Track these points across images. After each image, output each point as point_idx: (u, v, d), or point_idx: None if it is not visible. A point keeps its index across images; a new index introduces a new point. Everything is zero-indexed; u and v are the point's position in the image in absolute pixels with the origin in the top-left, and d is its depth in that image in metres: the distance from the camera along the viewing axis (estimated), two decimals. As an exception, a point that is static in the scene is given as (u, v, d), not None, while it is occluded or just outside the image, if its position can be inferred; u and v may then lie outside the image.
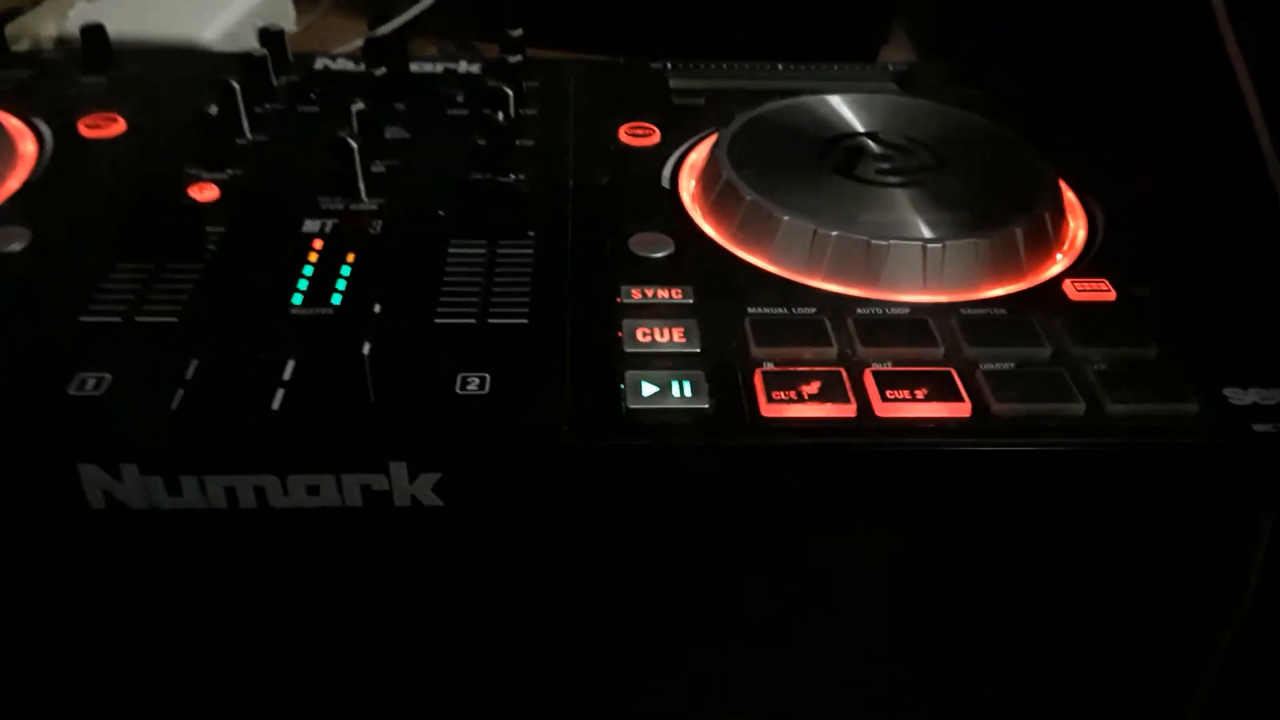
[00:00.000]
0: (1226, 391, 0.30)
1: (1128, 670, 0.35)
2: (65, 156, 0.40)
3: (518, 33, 0.47)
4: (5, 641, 0.32)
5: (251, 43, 0.53)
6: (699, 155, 0.42)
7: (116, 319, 0.32)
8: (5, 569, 0.30)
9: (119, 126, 0.42)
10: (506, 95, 0.42)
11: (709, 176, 0.39)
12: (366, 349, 0.28)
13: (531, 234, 0.37)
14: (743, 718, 0.36)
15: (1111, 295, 0.34)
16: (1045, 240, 0.36)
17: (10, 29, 0.59)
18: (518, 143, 0.42)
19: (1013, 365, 0.31)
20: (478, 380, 0.30)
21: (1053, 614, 0.34)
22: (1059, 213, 0.37)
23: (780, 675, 0.34)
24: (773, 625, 0.33)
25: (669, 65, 0.50)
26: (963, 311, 0.33)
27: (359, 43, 0.59)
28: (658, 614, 0.33)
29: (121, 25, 0.49)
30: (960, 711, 0.36)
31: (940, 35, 0.65)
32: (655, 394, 0.30)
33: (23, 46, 0.58)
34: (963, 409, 0.29)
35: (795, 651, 0.34)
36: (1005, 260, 0.35)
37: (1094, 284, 0.35)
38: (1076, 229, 0.38)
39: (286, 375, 0.30)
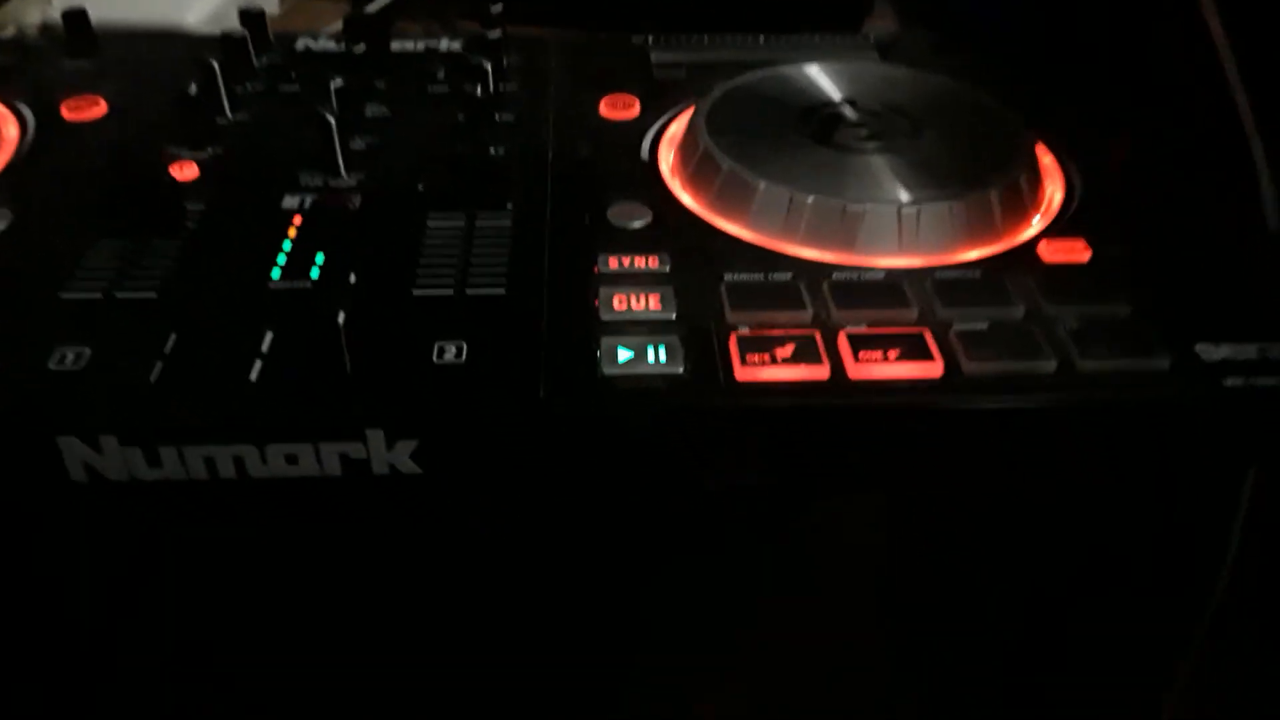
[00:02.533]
0: (1199, 348, 0.30)
1: (1110, 634, 0.36)
2: (47, 139, 0.41)
3: (497, 8, 0.47)
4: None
5: (234, 25, 0.53)
6: (678, 127, 0.42)
7: (97, 295, 0.32)
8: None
9: (101, 109, 0.43)
10: (485, 70, 0.43)
11: (687, 147, 0.39)
12: (341, 318, 0.29)
13: (510, 206, 0.37)
14: (721, 683, 0.36)
15: (1086, 256, 0.34)
16: (1021, 203, 0.36)
17: (-6, 16, 0.59)
18: (497, 117, 0.42)
19: (985, 325, 0.31)
20: (454, 349, 0.30)
21: (1031, 576, 0.34)
22: (1035, 175, 0.38)
23: (758, 639, 0.35)
24: (750, 589, 0.34)
25: (650, 39, 0.50)
26: (937, 275, 0.33)
27: (338, 24, 0.59)
28: (636, 578, 0.33)
29: (105, 10, 0.48)
30: (941, 675, 0.37)
31: (923, 5, 0.65)
32: (630, 360, 0.30)
33: (7, 34, 0.58)
34: (935, 369, 0.30)
35: (772, 615, 0.34)
36: (981, 223, 0.35)
37: (1069, 245, 0.35)
38: (1054, 192, 0.38)
39: (264, 347, 0.30)
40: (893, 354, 0.30)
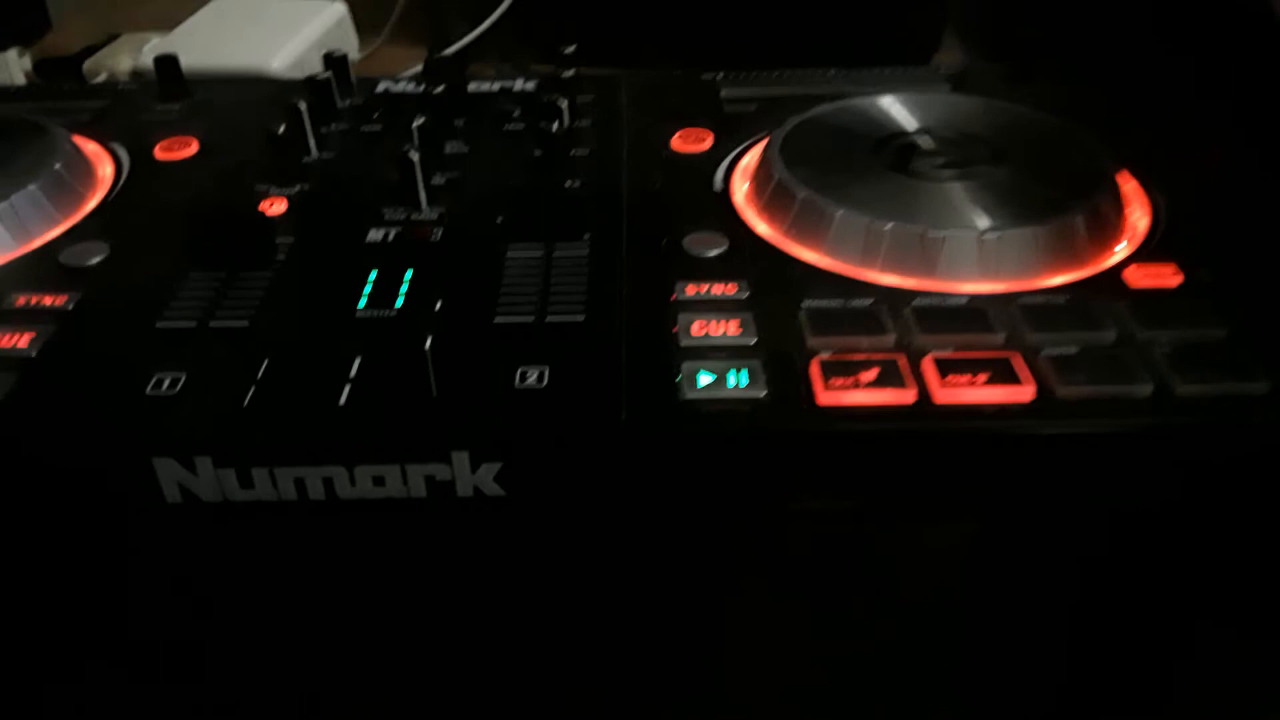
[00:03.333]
0: (1297, 371, 0.29)
1: (1207, 659, 0.34)
2: (141, 177, 0.42)
3: (571, 49, 0.48)
4: (83, 632, 0.33)
5: (317, 70, 0.55)
6: (751, 159, 0.42)
7: (191, 324, 0.33)
8: (85, 562, 0.31)
9: (192, 149, 0.44)
10: (560, 107, 0.43)
11: (761, 177, 0.39)
12: (428, 344, 0.29)
13: (587, 236, 0.37)
14: (799, 706, 0.35)
15: (1175, 281, 0.34)
16: (1105, 228, 0.36)
17: (88, 64, 0.62)
18: (572, 152, 0.43)
19: (1076, 350, 0.30)
20: (536, 374, 0.30)
21: (1125, 604, 0.33)
22: (1118, 200, 0.37)
23: (837, 665, 0.34)
24: (833, 615, 0.33)
25: (720, 75, 0.51)
26: (1022, 300, 0.33)
27: (419, 68, 0.61)
28: (718, 602, 0.33)
29: (194, 58, 0.51)
30: (1029, 705, 0.35)
31: (992, 39, 0.64)
32: (711, 383, 0.30)
33: (100, 80, 0.61)
34: (1025, 393, 0.29)
35: (853, 642, 0.34)
36: (1064, 249, 0.35)
37: (1157, 269, 0.34)
38: (1138, 218, 0.38)
39: (352, 372, 0.31)
40: (981, 378, 0.29)
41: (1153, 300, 0.33)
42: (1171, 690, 0.35)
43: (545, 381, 0.30)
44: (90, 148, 0.44)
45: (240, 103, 0.48)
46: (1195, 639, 0.33)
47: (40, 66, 0.64)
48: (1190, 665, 0.34)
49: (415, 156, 0.39)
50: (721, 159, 0.43)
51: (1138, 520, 0.31)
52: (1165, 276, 0.34)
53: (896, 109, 0.43)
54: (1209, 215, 0.37)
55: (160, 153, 0.44)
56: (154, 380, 0.30)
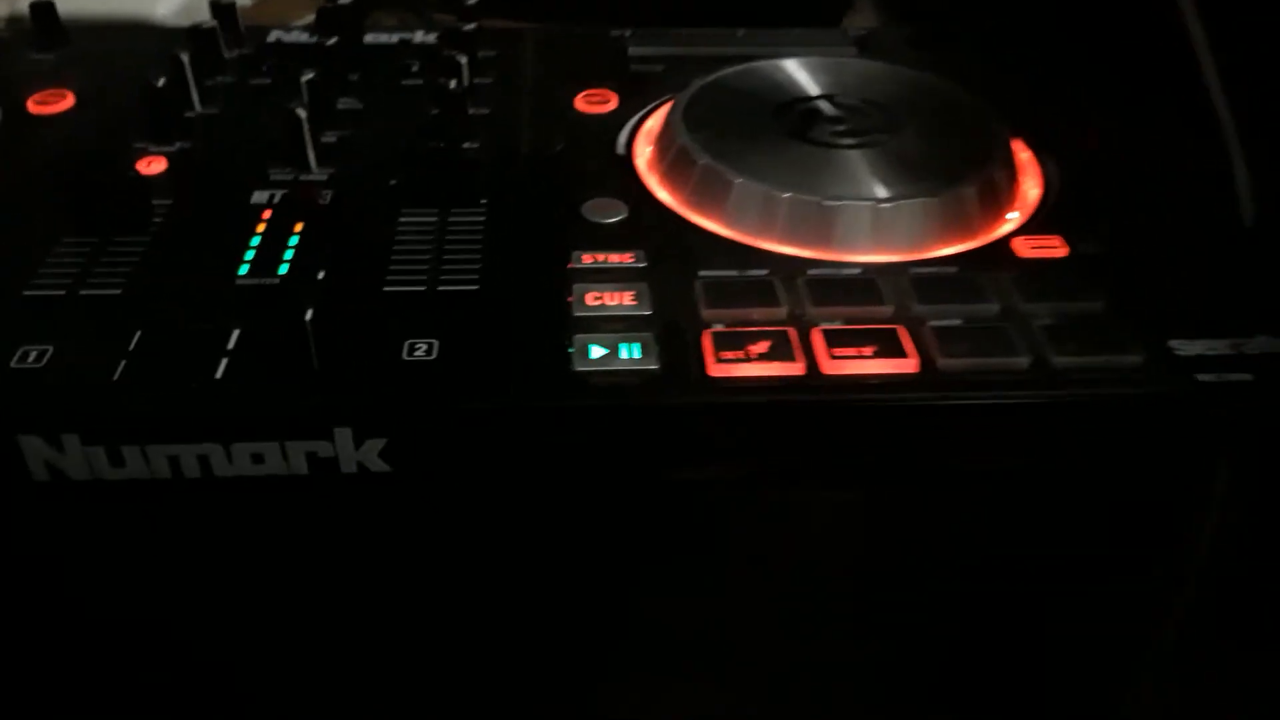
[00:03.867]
0: (1173, 343, 0.30)
1: (1084, 625, 0.36)
2: (12, 132, 0.40)
3: (473, 0, 0.47)
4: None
5: (205, 19, 0.52)
6: (655, 122, 0.42)
7: (60, 292, 0.31)
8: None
9: (67, 102, 0.42)
10: (460, 63, 0.42)
11: (664, 142, 0.39)
12: (309, 316, 0.28)
13: (484, 201, 0.36)
14: (698, 680, 0.36)
15: (1063, 252, 0.34)
16: (997, 199, 0.36)
17: (-38, 8, 0.58)
18: (471, 111, 0.41)
19: (960, 322, 0.31)
20: (425, 346, 0.30)
21: (1004, 569, 0.34)
22: (1011, 172, 0.37)
23: (731, 637, 0.35)
24: (723, 586, 0.33)
25: (628, 33, 0.50)
26: (913, 270, 0.33)
27: (310, 17, 0.58)
28: (608, 575, 0.33)
29: (72, 3, 0.48)
30: (915, 670, 0.36)
31: (903, 1, 0.64)
32: (603, 356, 0.30)
33: (-26, 26, 0.58)
34: (909, 365, 0.29)
35: (745, 612, 0.34)
36: (957, 219, 0.35)
37: (1045, 241, 0.35)
38: (1030, 188, 0.38)
39: (230, 345, 0.30)
40: (867, 350, 0.30)
41: (1037, 272, 0.33)
42: (1047, 656, 0.36)
43: (434, 353, 0.30)
44: (-43, 100, 0.41)
45: (121, 52, 0.46)
46: (1070, 606, 0.34)
47: (-96, 7, 0.59)
48: (1065, 631, 0.35)
49: (303, 113, 0.38)
50: (625, 121, 0.42)
51: (1015, 489, 0.32)
52: (1052, 248, 0.35)
53: (800, 73, 0.43)
54: (1099, 186, 0.38)
55: (33, 106, 0.42)
56: (19, 353, 0.29)
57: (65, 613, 0.32)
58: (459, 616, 0.33)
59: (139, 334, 0.30)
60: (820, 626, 0.35)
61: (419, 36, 0.48)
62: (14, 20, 0.55)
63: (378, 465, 0.29)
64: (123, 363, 0.29)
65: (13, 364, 0.29)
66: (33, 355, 0.29)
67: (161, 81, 0.40)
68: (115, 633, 0.33)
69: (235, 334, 0.30)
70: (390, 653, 0.34)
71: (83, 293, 0.31)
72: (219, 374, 0.29)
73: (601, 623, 0.34)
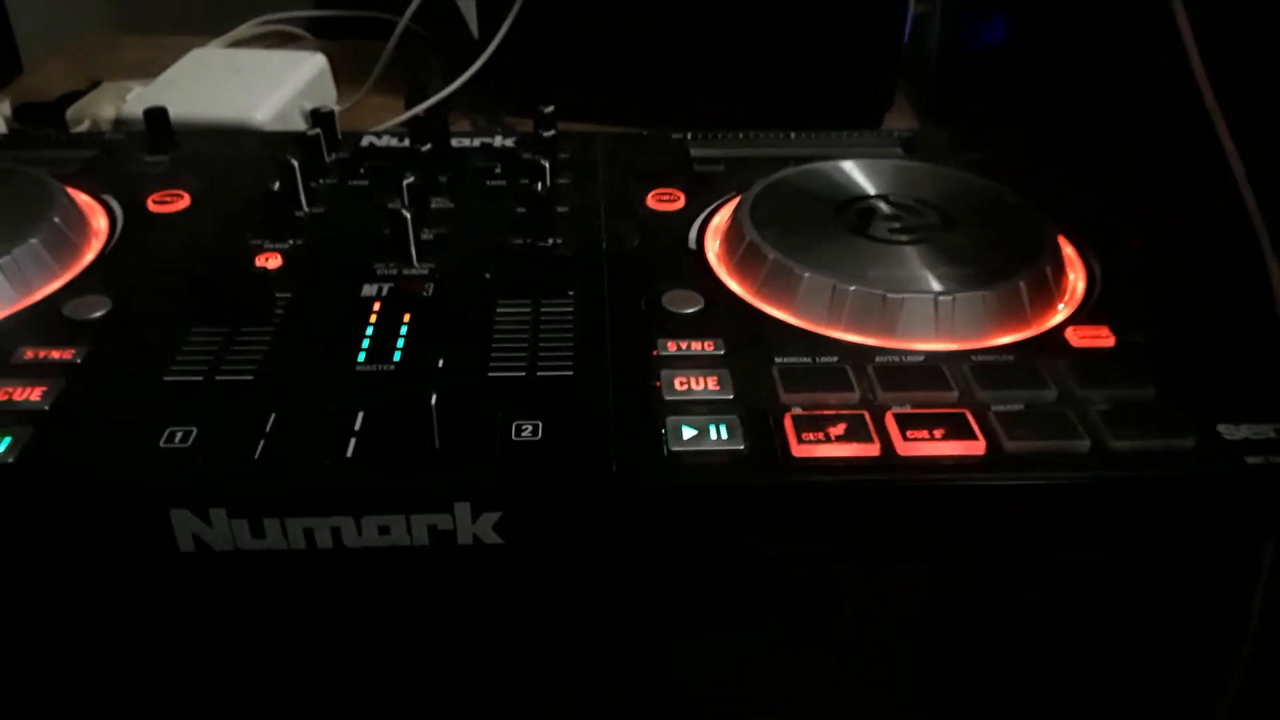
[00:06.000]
0: (1220, 427, 0.33)
1: (1139, 703, 0.37)
2: (136, 229, 0.43)
3: (550, 109, 0.51)
4: (101, 682, 0.34)
5: (299, 121, 0.57)
6: (722, 218, 0.45)
7: (198, 378, 0.34)
8: (100, 612, 0.32)
9: (184, 201, 0.46)
10: (543, 166, 0.46)
11: (733, 237, 0.42)
12: (434, 400, 0.31)
13: (571, 293, 0.39)
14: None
15: (1111, 341, 0.37)
16: (1047, 291, 0.39)
17: (71, 112, 0.63)
18: (554, 209, 0.45)
19: (1022, 406, 0.33)
20: (531, 427, 0.32)
21: (1065, 642, 0.36)
22: (1059, 266, 0.40)
23: (811, 706, 0.36)
24: (804, 654, 0.35)
25: (689, 135, 0.53)
26: (973, 358, 0.36)
27: (397, 119, 0.63)
28: (697, 645, 0.35)
29: (179, 108, 0.52)
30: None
31: (940, 102, 0.68)
32: (694, 437, 0.32)
33: (83, 128, 0.62)
34: (978, 447, 0.32)
35: (825, 678, 0.36)
36: (1011, 311, 0.38)
37: (1094, 331, 0.37)
38: (1076, 280, 0.41)
39: (357, 425, 0.32)
40: (938, 433, 0.32)
41: (1089, 360, 0.36)
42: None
43: (539, 434, 0.32)
44: (83, 199, 0.45)
45: (228, 155, 0.50)
46: (1123, 685, 0.36)
47: (20, 113, 0.65)
48: (1119, 706, 0.37)
49: (408, 214, 0.41)
50: (694, 217, 0.45)
51: (1080, 565, 0.34)
52: (1101, 337, 0.37)
53: (855, 173, 0.46)
54: (1140, 280, 0.41)
55: (153, 205, 0.45)
56: (166, 433, 0.32)
57: (207, 677, 0.34)
58: (564, 680, 0.35)
59: (274, 416, 0.33)
60: (887, 692, 0.37)
61: (498, 140, 0.52)
62: (120, 123, 0.60)
63: (491, 538, 0.31)
64: (261, 442, 0.32)
65: (162, 444, 0.32)
66: (179, 436, 0.32)
67: (277, 185, 0.43)
68: (252, 695, 0.35)
69: (360, 415, 0.33)
70: (498, 714, 0.36)
71: (218, 378, 0.34)
72: (349, 453, 0.31)
73: (689, 687, 0.36)
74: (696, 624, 0.35)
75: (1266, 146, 0.41)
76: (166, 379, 0.34)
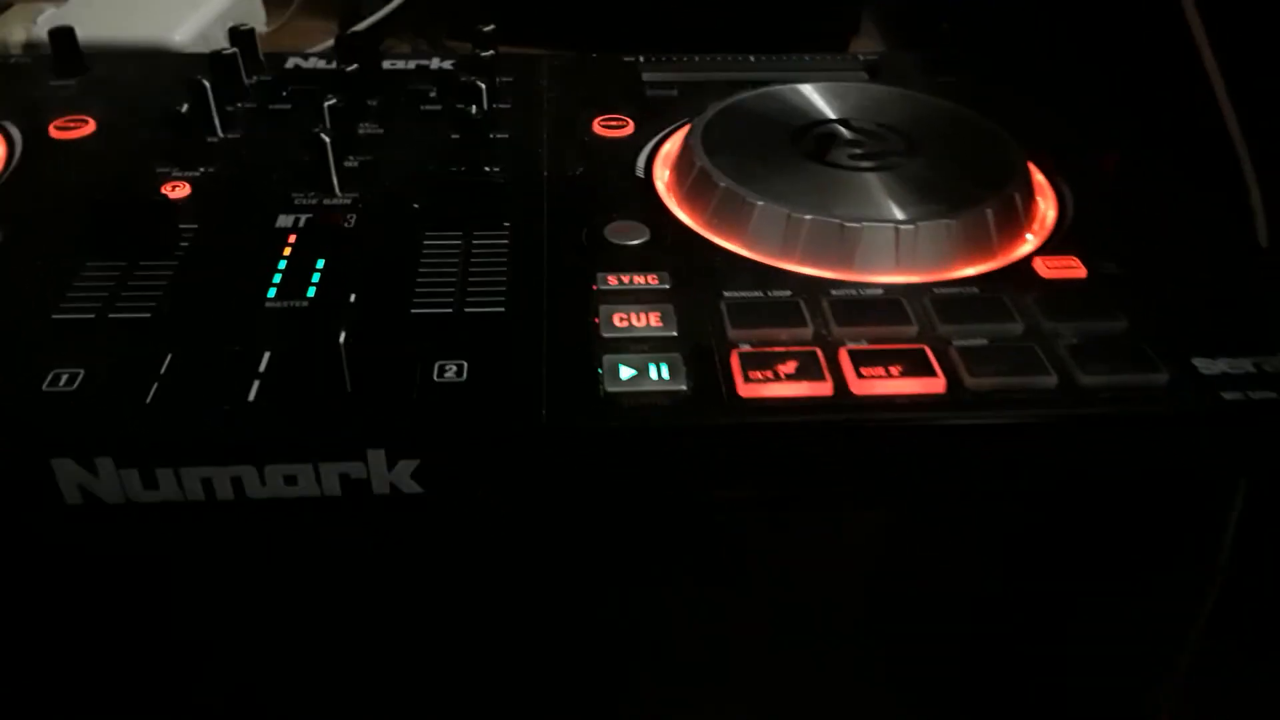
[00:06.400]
0: (1196, 361, 0.31)
1: (1108, 639, 0.36)
2: (36, 158, 0.40)
3: (490, 28, 0.47)
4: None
5: (223, 45, 0.53)
6: (673, 145, 0.42)
7: (90, 315, 0.32)
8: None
9: (89, 128, 0.42)
10: (480, 89, 0.43)
11: (683, 165, 0.39)
12: (343, 338, 0.28)
13: (507, 225, 0.37)
14: (721, 697, 0.36)
15: (1082, 272, 0.35)
16: (1015, 220, 0.37)
17: (-23, 35, 0.59)
18: (492, 136, 0.42)
19: (985, 341, 0.31)
20: (455, 368, 0.30)
21: (1031, 583, 0.34)
22: (1028, 193, 0.38)
23: (758, 653, 0.35)
24: (751, 603, 0.34)
25: (641, 59, 0.50)
26: (935, 291, 0.34)
27: (330, 43, 0.59)
28: (637, 593, 0.33)
29: (91, 29, 0.48)
30: (939, 681, 0.37)
31: (908, 26, 0.65)
32: (633, 377, 0.30)
33: (-10, 52, 0.58)
34: (937, 384, 0.30)
35: (773, 629, 0.34)
36: (976, 240, 0.35)
37: (1064, 261, 0.35)
38: (1047, 209, 0.39)
39: (262, 367, 0.30)
40: (895, 370, 0.30)
41: (1059, 292, 0.34)
42: (1069, 669, 0.36)
43: (464, 376, 0.30)
44: (-21, 125, 0.42)
45: (140, 78, 0.46)
46: (1092, 621, 0.35)
47: (-78, 34, 0.60)
48: (1089, 643, 0.35)
49: (327, 138, 0.38)
50: (643, 144, 0.42)
51: (1045, 506, 0.32)
52: (1071, 268, 0.35)
53: (815, 97, 0.44)
54: (1113, 207, 0.39)
55: (56, 131, 0.42)
56: (50, 376, 0.29)
57: (93, 633, 0.32)
58: (486, 636, 0.33)
59: (170, 356, 0.30)
60: (844, 642, 0.35)
61: (435, 63, 0.48)
62: (30, 46, 0.56)
63: (410, 487, 0.29)
64: (155, 385, 0.29)
65: (45, 387, 0.29)
66: (64, 378, 0.29)
67: (185, 107, 0.40)
68: (143, 653, 0.33)
69: (266, 356, 0.30)
70: (416, 671, 0.34)
71: (112, 316, 0.32)
72: (252, 396, 0.29)
73: (626, 640, 0.34)
74: (635, 579, 0.32)
75: (1249, 61, 0.38)
76: (55, 316, 0.32)
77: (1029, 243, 0.37)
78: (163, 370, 0.29)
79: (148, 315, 0.32)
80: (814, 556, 0.33)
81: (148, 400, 0.28)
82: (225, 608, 0.32)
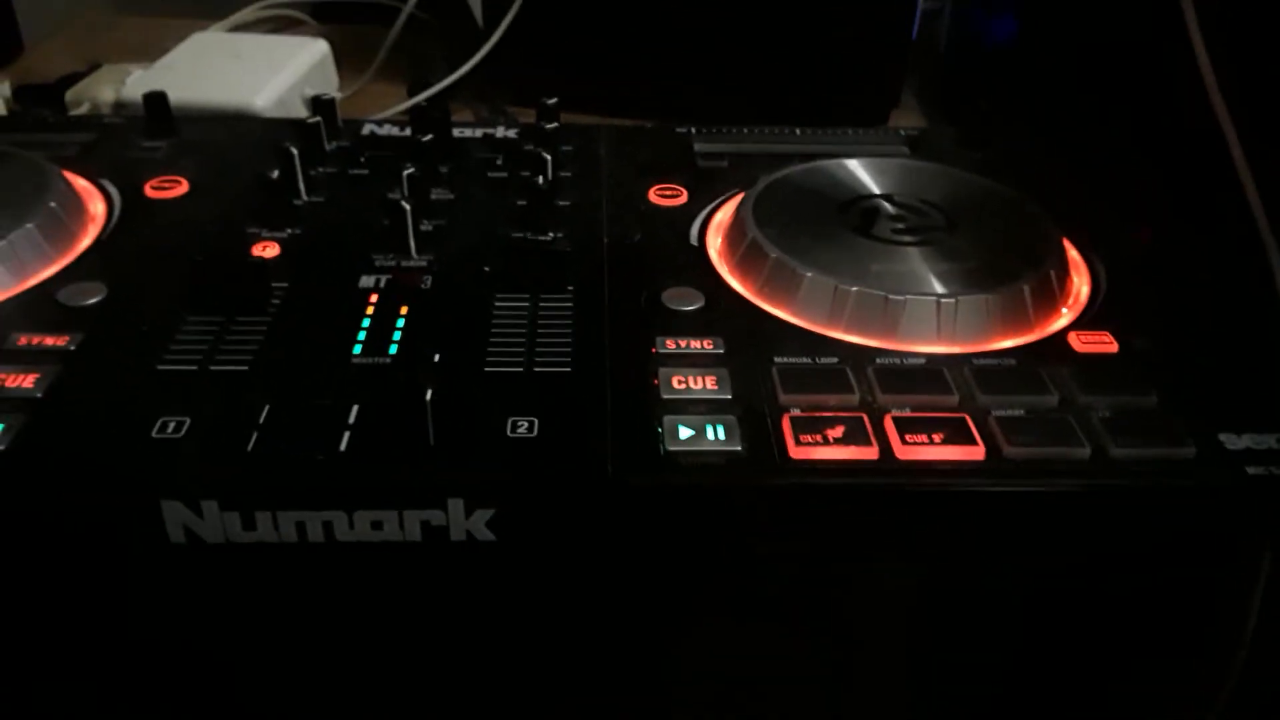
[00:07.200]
0: (1222, 437, 0.32)
1: (1132, 709, 0.37)
2: (134, 216, 0.43)
3: (553, 101, 0.50)
4: (88, 671, 0.34)
5: (299, 109, 0.56)
6: (724, 215, 0.45)
7: (193, 367, 0.34)
8: (88, 602, 0.32)
9: (182, 188, 0.45)
10: (545, 159, 0.45)
11: (735, 235, 0.42)
12: (429, 394, 0.31)
13: (571, 288, 0.39)
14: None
15: (1114, 347, 0.37)
16: (1051, 295, 0.39)
17: (70, 94, 0.63)
18: (555, 203, 0.45)
19: (1023, 412, 0.33)
20: (526, 424, 0.32)
21: (1061, 647, 0.35)
22: (1063, 269, 0.40)
23: (806, 708, 0.36)
24: (799, 659, 0.35)
25: (693, 130, 0.53)
26: (975, 362, 0.36)
27: (399, 107, 0.62)
28: (692, 647, 0.35)
29: (178, 93, 0.51)
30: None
31: (947, 101, 0.68)
32: (691, 437, 0.32)
33: (81, 111, 0.62)
34: (977, 452, 0.32)
35: (820, 685, 0.36)
36: (1014, 314, 0.37)
37: (1097, 336, 0.37)
38: (1080, 284, 0.41)
39: (351, 419, 0.32)
40: (937, 437, 0.32)
41: (1092, 366, 0.36)
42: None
43: (535, 431, 0.32)
44: (81, 184, 0.45)
45: (227, 141, 0.50)
46: (1121, 683, 0.36)
47: (19, 94, 0.64)
48: (1115, 711, 0.37)
49: (408, 205, 0.41)
50: (696, 213, 0.45)
51: (1075, 572, 0.33)
52: (1104, 343, 0.37)
53: (859, 172, 0.46)
54: (1144, 283, 0.41)
55: (151, 191, 0.45)
56: (159, 423, 0.32)
57: (195, 669, 0.34)
58: (555, 678, 0.35)
59: (267, 407, 0.32)
60: (879, 693, 0.37)
61: (500, 131, 0.51)
62: (120, 106, 0.59)
63: (484, 535, 0.31)
64: (254, 434, 0.31)
65: (154, 434, 0.31)
66: (171, 426, 0.32)
67: (275, 173, 0.43)
68: (241, 688, 0.35)
69: (355, 409, 0.32)
70: (479, 705, 0.36)
71: (212, 368, 0.34)
72: (343, 446, 0.31)
73: (683, 688, 0.36)
74: (690, 625, 0.34)
75: (1275, 153, 0.40)
76: (160, 368, 0.34)
77: (1064, 316, 0.39)
78: (261, 420, 0.32)
79: (245, 368, 0.34)
80: (857, 612, 0.34)
81: (249, 448, 0.31)
82: (310, 647, 0.34)
